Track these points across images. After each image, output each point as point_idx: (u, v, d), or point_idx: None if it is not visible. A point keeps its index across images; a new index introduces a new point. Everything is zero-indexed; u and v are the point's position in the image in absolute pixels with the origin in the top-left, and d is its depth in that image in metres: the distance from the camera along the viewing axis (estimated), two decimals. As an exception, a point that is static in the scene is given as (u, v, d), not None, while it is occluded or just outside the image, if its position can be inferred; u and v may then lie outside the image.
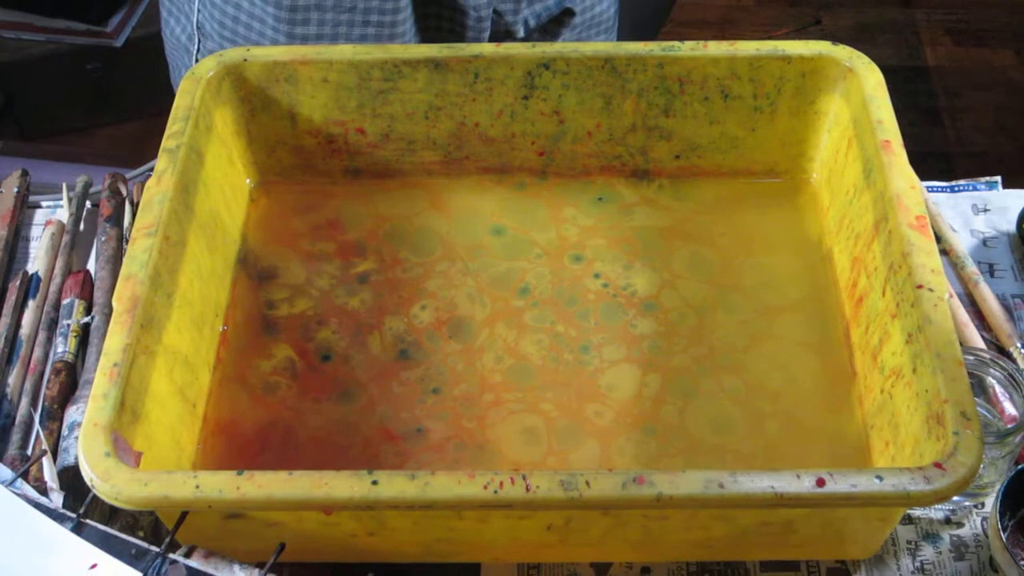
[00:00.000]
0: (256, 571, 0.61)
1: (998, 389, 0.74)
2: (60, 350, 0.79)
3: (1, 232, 0.87)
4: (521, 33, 0.99)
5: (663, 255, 0.81)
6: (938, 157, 1.85)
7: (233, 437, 0.72)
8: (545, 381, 0.75)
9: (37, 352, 0.80)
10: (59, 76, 1.83)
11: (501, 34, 0.98)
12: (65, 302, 0.82)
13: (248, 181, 0.85)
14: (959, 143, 1.89)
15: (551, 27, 1.00)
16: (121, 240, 0.86)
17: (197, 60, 0.98)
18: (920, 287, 0.66)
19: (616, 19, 1.06)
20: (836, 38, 0.77)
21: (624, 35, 1.21)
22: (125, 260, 0.68)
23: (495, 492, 0.58)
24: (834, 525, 0.67)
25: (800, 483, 0.59)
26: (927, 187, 0.91)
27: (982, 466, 0.60)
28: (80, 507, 0.64)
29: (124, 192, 0.89)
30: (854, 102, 0.77)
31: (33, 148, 1.67)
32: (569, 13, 0.99)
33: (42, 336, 0.81)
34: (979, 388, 0.74)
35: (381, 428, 0.73)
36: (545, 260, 0.81)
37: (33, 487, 0.69)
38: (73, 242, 0.87)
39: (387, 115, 0.82)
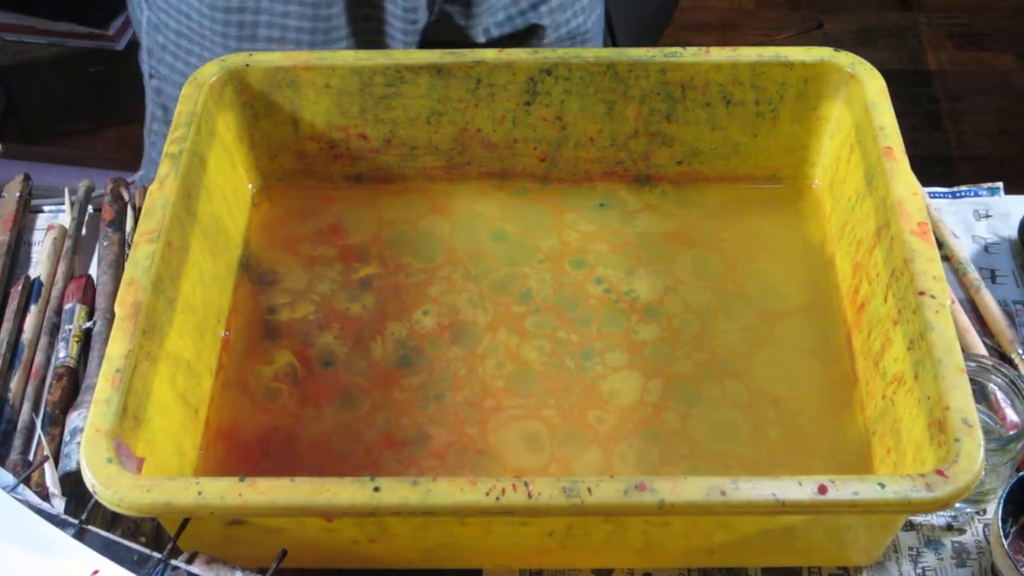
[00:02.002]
0: (258, 577, 0.62)
1: (1000, 396, 0.74)
2: (62, 355, 0.79)
3: (3, 237, 0.87)
4: (481, 39, 0.97)
5: (665, 260, 0.81)
6: (939, 161, 1.85)
7: (235, 443, 0.72)
8: (547, 387, 0.75)
9: (39, 357, 0.80)
10: (61, 79, 1.82)
11: (459, 40, 0.97)
12: (67, 307, 0.82)
13: (250, 186, 0.85)
14: (960, 147, 1.89)
15: (522, 38, 0.99)
16: (123, 245, 0.86)
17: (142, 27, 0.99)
18: (922, 293, 0.66)
19: (601, 30, 1.04)
20: (837, 42, 0.77)
21: (626, 40, 1.20)
22: (127, 265, 0.68)
23: (497, 499, 0.58)
24: (836, 531, 0.67)
25: (802, 490, 0.59)
26: (929, 193, 0.91)
27: (984, 473, 0.60)
28: (82, 513, 0.64)
29: (126, 197, 0.89)
30: (856, 108, 0.78)
31: (35, 151, 1.67)
32: (538, 28, 0.98)
33: (44, 341, 0.81)
34: (981, 395, 0.74)
35: (383, 434, 0.73)
36: (547, 265, 0.81)
37: (35, 493, 0.69)
38: (75, 247, 0.88)
39: (389, 120, 0.82)
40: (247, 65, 0.79)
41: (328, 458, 0.72)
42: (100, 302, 0.82)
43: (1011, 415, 0.73)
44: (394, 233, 0.83)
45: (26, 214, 0.91)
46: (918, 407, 0.64)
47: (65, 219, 0.90)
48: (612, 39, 1.21)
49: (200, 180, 0.75)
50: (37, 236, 0.90)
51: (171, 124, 0.75)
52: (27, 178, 0.92)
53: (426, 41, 0.97)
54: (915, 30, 2.10)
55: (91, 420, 0.61)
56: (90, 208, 0.91)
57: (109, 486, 0.59)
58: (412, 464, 0.71)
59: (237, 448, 0.72)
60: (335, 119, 0.82)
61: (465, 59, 0.79)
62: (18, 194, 0.90)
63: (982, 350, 0.80)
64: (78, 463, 0.69)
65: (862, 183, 0.75)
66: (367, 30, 0.93)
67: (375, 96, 0.81)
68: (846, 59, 0.79)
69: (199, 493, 0.59)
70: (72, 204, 0.90)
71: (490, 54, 0.80)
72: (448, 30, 0.97)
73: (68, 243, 0.87)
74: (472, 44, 0.98)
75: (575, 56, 0.80)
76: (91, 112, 1.88)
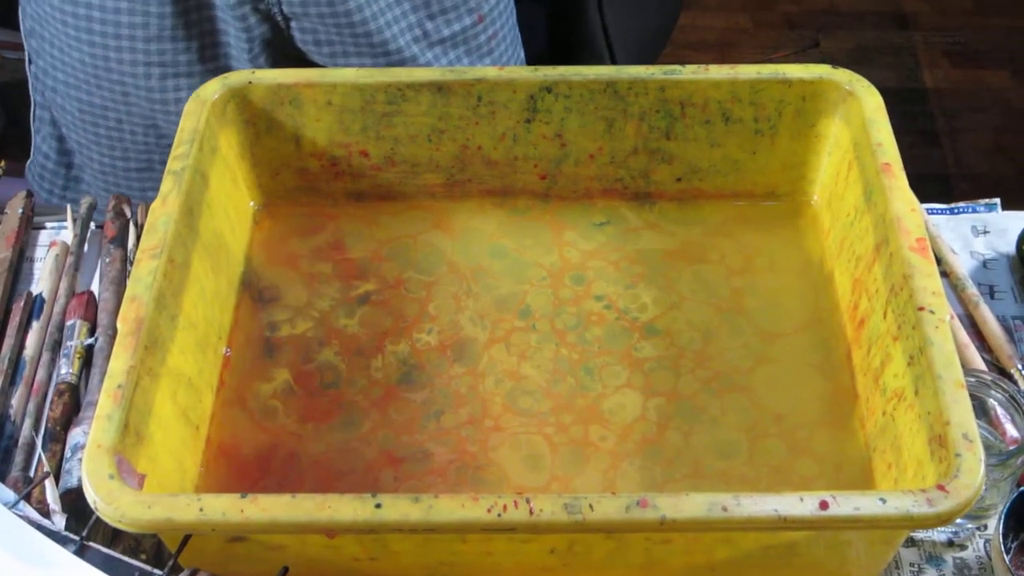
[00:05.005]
0: (259, 594, 0.61)
1: (999, 411, 0.74)
2: (63, 371, 0.79)
3: (5, 253, 0.88)
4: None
5: (665, 277, 0.81)
6: (936, 179, 1.86)
7: (236, 460, 0.72)
8: (548, 405, 0.75)
9: (40, 373, 0.80)
10: (61, 97, 1.83)
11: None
12: (69, 323, 0.82)
13: (252, 203, 0.85)
14: (957, 165, 1.90)
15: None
16: (125, 262, 0.86)
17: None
18: (921, 309, 0.66)
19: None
20: (834, 60, 0.77)
21: (625, 59, 1.21)
22: (130, 282, 0.68)
23: (499, 515, 0.58)
24: (837, 548, 0.67)
25: (803, 506, 0.59)
26: (927, 209, 0.91)
27: (984, 488, 0.60)
28: (83, 529, 0.64)
29: (128, 213, 0.89)
30: (854, 125, 0.78)
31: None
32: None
33: (45, 357, 0.81)
34: (980, 410, 0.74)
35: (383, 452, 0.73)
36: (548, 283, 0.81)
37: (35, 509, 0.69)
38: (77, 263, 0.88)
39: (391, 138, 0.83)
40: (250, 82, 0.80)
41: (328, 476, 0.72)
42: (102, 319, 0.82)
43: (1011, 430, 0.74)
44: (395, 250, 0.84)
45: (28, 231, 0.91)
46: (918, 422, 0.64)
47: (67, 236, 0.90)
48: (611, 57, 1.21)
49: (202, 197, 0.75)
50: (39, 252, 0.90)
51: (174, 141, 0.75)
52: (29, 195, 0.92)
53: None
54: (911, 48, 2.11)
55: (92, 436, 0.61)
56: (92, 225, 0.91)
57: (110, 502, 0.59)
58: (413, 482, 0.71)
59: (237, 465, 0.72)
60: (337, 136, 0.82)
61: (466, 77, 0.80)
62: (20, 211, 0.90)
63: (981, 365, 0.80)
64: (79, 479, 0.69)
65: (861, 199, 0.76)
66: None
67: (377, 113, 0.81)
68: (844, 76, 0.79)
69: (200, 509, 0.59)
70: (74, 221, 0.90)
71: (491, 71, 0.80)
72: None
73: (70, 260, 0.87)
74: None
75: (575, 73, 0.80)
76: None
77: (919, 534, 0.73)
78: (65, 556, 0.63)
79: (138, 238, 0.87)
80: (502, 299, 0.80)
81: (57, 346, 0.82)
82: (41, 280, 0.86)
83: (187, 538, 0.62)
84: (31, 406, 0.79)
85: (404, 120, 0.81)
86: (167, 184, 0.73)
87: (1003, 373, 0.80)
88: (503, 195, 0.86)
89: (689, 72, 0.80)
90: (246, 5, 0.90)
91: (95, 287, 0.86)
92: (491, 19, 0.98)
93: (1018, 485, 0.72)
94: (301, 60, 0.97)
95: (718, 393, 0.75)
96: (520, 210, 0.86)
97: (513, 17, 1.03)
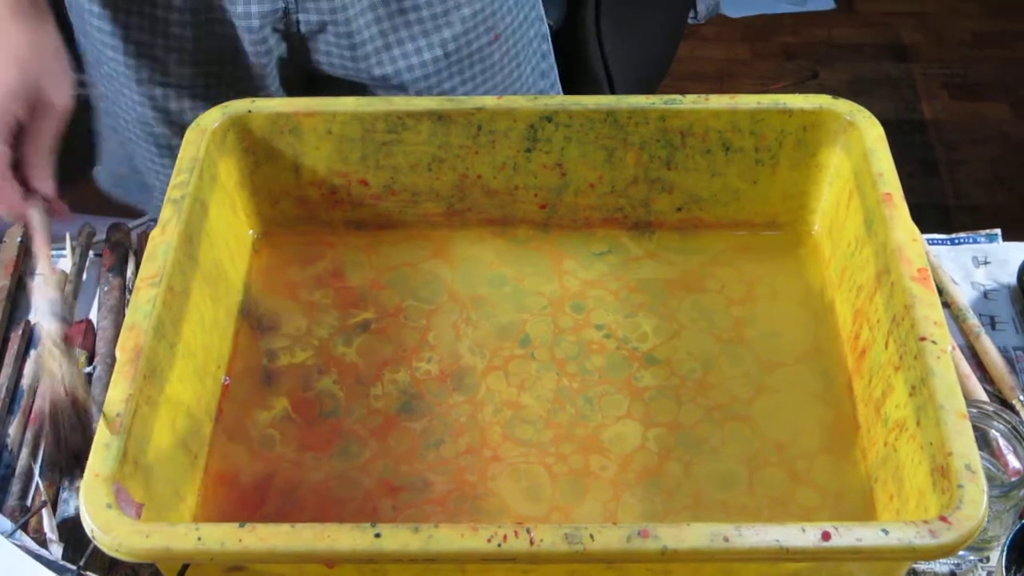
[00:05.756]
0: (257, 625, 0.61)
1: (1001, 442, 0.74)
2: (61, 400, 0.79)
3: (4, 282, 0.87)
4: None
5: (666, 306, 0.81)
6: (936, 210, 1.86)
7: (234, 489, 0.72)
8: (548, 434, 0.74)
9: (38, 402, 0.80)
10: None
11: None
12: (67, 352, 0.82)
13: (251, 232, 0.85)
14: (956, 196, 1.90)
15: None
16: (123, 290, 0.86)
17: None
18: (923, 339, 0.66)
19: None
20: (833, 92, 0.78)
21: (624, 88, 1.22)
22: (129, 310, 0.68)
23: (499, 545, 0.58)
24: (839, 579, 0.67)
25: (805, 536, 0.58)
26: (927, 239, 0.91)
27: (987, 520, 0.60)
28: (80, 559, 0.64)
29: (126, 242, 0.89)
30: (855, 155, 0.78)
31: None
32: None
33: (43, 386, 0.81)
34: (982, 441, 0.74)
35: (382, 481, 0.72)
36: (548, 312, 0.81)
37: (33, 538, 0.68)
38: (76, 292, 0.88)
39: (390, 167, 0.83)
40: (249, 111, 0.80)
41: (327, 505, 0.71)
42: (100, 347, 0.82)
43: (1013, 461, 0.73)
44: (394, 279, 0.83)
45: (27, 259, 0.91)
46: (920, 453, 0.64)
47: (66, 264, 0.90)
48: (610, 85, 1.22)
49: (202, 225, 0.75)
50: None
51: (174, 167, 0.75)
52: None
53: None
54: (910, 80, 2.12)
55: (90, 465, 0.61)
56: (91, 253, 0.91)
57: (108, 531, 0.59)
58: (412, 511, 0.71)
59: (236, 494, 0.72)
60: (336, 165, 0.83)
61: (465, 106, 0.80)
62: (19, 239, 0.90)
63: (983, 396, 0.80)
64: (76, 509, 0.69)
65: (861, 229, 0.76)
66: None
67: (376, 142, 0.81)
68: (844, 106, 0.79)
69: (199, 539, 0.58)
70: (73, 249, 0.90)
71: (490, 100, 0.80)
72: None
73: (68, 288, 0.87)
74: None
75: (575, 103, 0.80)
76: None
77: (921, 566, 0.73)
78: (61, 586, 0.63)
79: (137, 267, 0.87)
80: (502, 328, 0.80)
81: (55, 374, 0.82)
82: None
83: (185, 567, 0.61)
84: (28, 435, 0.78)
85: (404, 149, 0.82)
86: (166, 212, 0.73)
87: (1005, 404, 0.80)
88: (503, 224, 0.86)
89: (689, 102, 0.80)
90: (266, 27, 0.91)
91: (93, 316, 0.86)
92: (505, 37, 0.99)
93: (1021, 517, 0.72)
94: (317, 79, 0.98)
95: (719, 423, 0.75)
96: (520, 239, 0.86)
97: (532, 31, 1.02)
